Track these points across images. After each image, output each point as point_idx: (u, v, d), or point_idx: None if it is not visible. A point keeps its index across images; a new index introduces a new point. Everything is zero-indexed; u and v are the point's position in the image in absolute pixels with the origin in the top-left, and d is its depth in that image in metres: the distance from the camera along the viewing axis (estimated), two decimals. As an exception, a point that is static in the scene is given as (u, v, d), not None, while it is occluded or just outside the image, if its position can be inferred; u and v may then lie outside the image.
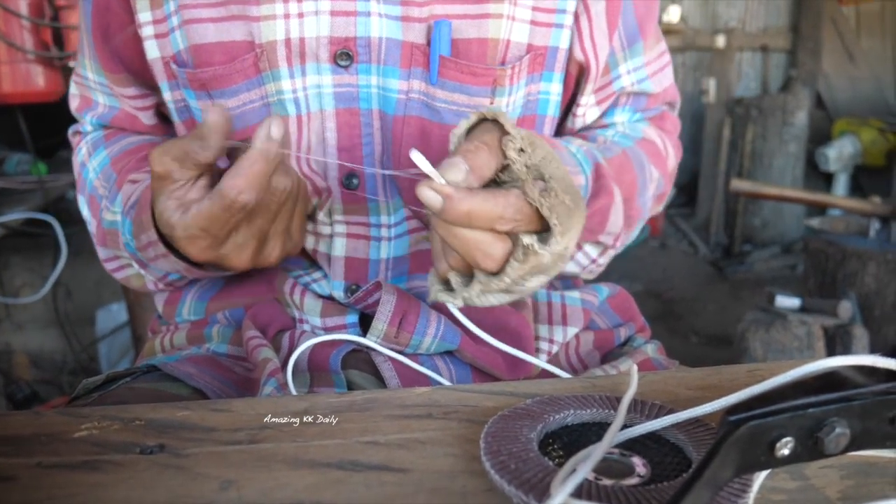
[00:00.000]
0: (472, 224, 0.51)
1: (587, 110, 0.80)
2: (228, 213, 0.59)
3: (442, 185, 0.51)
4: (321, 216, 0.74)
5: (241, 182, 0.57)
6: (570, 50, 0.75)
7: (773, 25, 4.85)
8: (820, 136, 4.69)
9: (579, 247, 0.78)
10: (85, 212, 0.84)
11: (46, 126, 2.44)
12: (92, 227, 0.82)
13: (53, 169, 2.34)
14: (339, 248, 0.74)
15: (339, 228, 0.74)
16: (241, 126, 0.71)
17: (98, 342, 2.70)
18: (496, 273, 0.54)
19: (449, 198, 0.50)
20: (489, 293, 0.55)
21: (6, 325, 2.77)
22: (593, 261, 0.80)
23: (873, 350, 2.23)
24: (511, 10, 0.70)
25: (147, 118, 0.83)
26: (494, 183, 0.55)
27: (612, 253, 0.80)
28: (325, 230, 0.74)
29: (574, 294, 0.82)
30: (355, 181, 0.73)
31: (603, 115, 0.82)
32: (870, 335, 2.24)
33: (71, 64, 2.05)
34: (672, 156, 0.86)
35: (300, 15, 0.67)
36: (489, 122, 0.55)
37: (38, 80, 2.06)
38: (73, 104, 0.87)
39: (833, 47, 4.78)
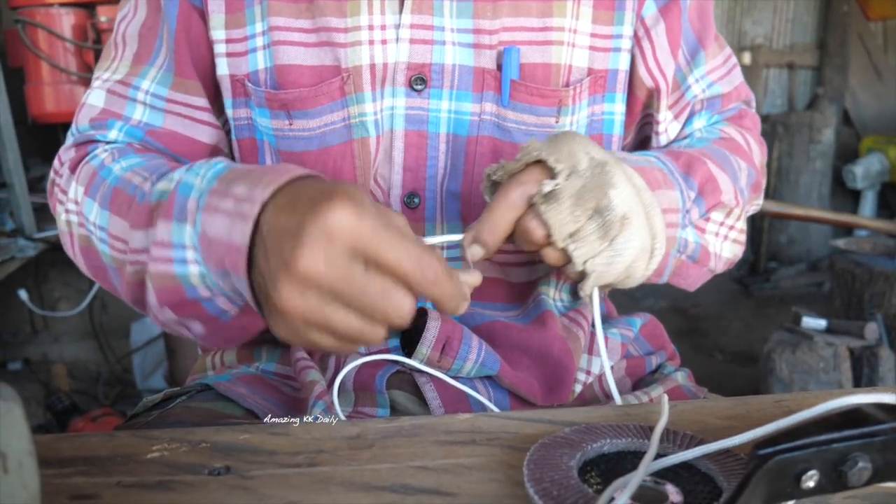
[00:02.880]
0: (504, 236, 0.63)
1: (668, 126, 0.84)
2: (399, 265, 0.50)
3: (473, 277, 0.61)
4: None
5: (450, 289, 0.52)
6: (635, 73, 0.80)
7: (799, 42, 4.84)
8: (847, 153, 4.67)
9: (707, 219, 0.77)
10: (93, 214, 0.71)
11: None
12: (106, 221, 0.69)
13: (92, 185, 2.40)
14: None
15: None
16: (320, 146, 0.75)
17: (132, 354, 2.77)
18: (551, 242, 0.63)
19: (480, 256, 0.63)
20: (595, 257, 0.63)
21: (44, 336, 2.84)
22: (721, 224, 0.79)
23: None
24: (571, 37, 0.76)
25: (205, 135, 0.78)
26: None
27: (738, 212, 0.79)
28: None
29: (613, 329, 0.84)
30: (416, 200, 0.77)
31: (683, 126, 0.86)
32: (896, 357, 2.23)
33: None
34: (757, 151, 0.88)
35: (383, 42, 0.73)
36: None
37: (80, 100, 2.13)
38: (89, 114, 0.78)
39: (860, 64, 4.75)
